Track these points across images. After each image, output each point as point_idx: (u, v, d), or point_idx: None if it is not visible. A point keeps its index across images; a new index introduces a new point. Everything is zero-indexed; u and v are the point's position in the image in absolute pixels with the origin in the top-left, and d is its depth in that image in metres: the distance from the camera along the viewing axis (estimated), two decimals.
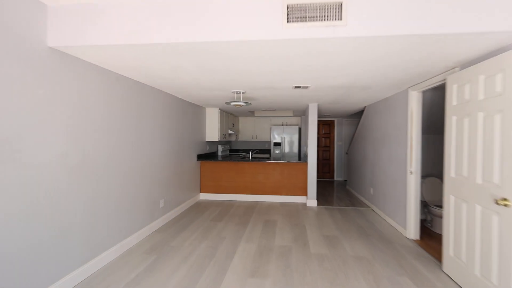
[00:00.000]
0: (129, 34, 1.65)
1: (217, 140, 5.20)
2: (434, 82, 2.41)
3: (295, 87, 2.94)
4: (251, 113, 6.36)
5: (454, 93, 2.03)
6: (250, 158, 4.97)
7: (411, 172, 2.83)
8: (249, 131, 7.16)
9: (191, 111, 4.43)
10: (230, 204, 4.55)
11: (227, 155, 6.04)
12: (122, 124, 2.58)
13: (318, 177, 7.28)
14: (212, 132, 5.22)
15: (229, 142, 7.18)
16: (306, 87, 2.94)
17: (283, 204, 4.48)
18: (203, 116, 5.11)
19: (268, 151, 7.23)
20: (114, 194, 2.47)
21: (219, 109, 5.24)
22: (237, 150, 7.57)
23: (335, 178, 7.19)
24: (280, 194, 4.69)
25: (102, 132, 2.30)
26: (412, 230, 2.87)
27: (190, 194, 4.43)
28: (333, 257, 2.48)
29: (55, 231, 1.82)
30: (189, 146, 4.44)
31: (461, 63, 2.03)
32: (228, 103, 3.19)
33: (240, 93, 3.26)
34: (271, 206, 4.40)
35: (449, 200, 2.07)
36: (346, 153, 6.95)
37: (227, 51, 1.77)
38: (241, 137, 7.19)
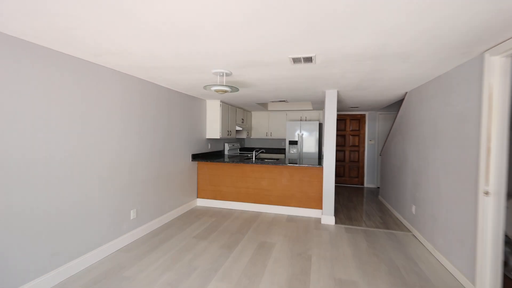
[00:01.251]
0: None
1: (218, 137, 4.47)
2: None
3: (294, 60, 2.01)
4: (263, 106, 5.50)
5: None
6: (253, 159, 4.13)
7: (486, 193, 1.70)
8: (263, 127, 6.30)
9: (185, 103, 3.77)
10: (229, 213, 3.79)
11: (236, 155, 5.29)
12: (73, 116, 1.98)
13: (344, 182, 6.12)
14: (213, 128, 4.50)
15: (240, 140, 6.43)
16: (309, 59, 1.99)
17: (290, 219, 3.56)
18: (202, 110, 4.43)
19: (283, 151, 6.30)
20: (56, 204, 1.87)
21: (221, 101, 4.49)
22: (249, 149, 6.78)
23: (365, 185, 5.95)
24: (289, 205, 3.77)
25: (40, 122, 1.71)
26: (487, 286, 1.74)
27: (183, 200, 3.78)
28: None
29: None
30: (182, 144, 3.78)
31: None
32: (207, 87, 2.39)
33: (223, 74, 2.44)
34: (275, 220, 3.52)
35: None
36: (380, 155, 5.68)
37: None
38: (254, 134, 6.38)
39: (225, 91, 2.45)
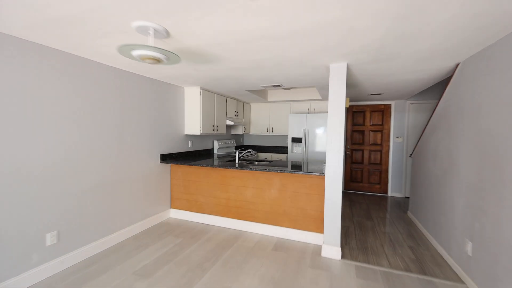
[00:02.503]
0: None
1: (198, 133, 3.60)
2: None
3: None
4: (261, 97, 4.53)
5: None
6: (236, 162, 3.19)
7: None
8: (263, 122, 5.33)
9: (155, 91, 2.94)
10: (204, 230, 2.92)
11: (228, 155, 4.41)
12: None
13: (361, 189, 4.96)
14: (192, 122, 3.64)
15: (236, 137, 5.52)
16: None
17: (280, 244, 2.59)
18: (179, 99, 3.58)
19: (285, 149, 5.28)
20: None
21: (201, 88, 3.60)
22: (248, 147, 5.85)
23: (389, 193, 4.74)
24: (279, 225, 2.80)
25: None
26: None
27: (149, 212, 2.98)
28: None
29: None
30: (148, 142, 2.97)
31: None
32: (124, 49, 1.50)
33: (152, 31, 1.53)
34: (259, 245, 2.57)
35: None
36: (411, 156, 4.46)
37: None
38: (254, 130, 5.43)
39: (156, 59, 1.54)
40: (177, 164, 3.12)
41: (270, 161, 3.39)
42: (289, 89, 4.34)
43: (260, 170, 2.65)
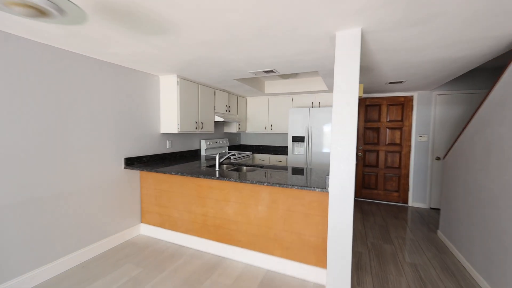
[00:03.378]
0: None
1: (176, 131, 2.98)
2: None
3: None
4: (258, 89, 3.85)
5: None
6: (216, 168, 2.52)
7: None
8: (261, 118, 4.65)
9: (113, 78, 2.31)
10: (172, 256, 2.30)
11: (214, 157, 3.81)
12: None
13: (376, 198, 4.20)
14: (169, 118, 3.01)
15: (231, 136, 4.87)
16: None
17: (268, 280, 1.92)
18: (154, 91, 2.96)
19: (286, 150, 4.58)
20: None
21: (179, 77, 2.96)
22: (244, 148, 5.19)
23: (410, 203, 3.97)
24: (268, 253, 2.13)
25: None
26: None
27: (108, 230, 2.38)
28: None
29: None
30: (105, 142, 2.37)
31: None
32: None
33: None
34: (241, 280, 1.92)
35: None
36: (438, 159, 3.68)
37: None
38: (250, 128, 4.76)
39: (30, 5, 0.89)
40: (147, 170, 2.50)
41: (261, 166, 2.71)
42: (287, 77, 3.63)
43: (242, 181, 1.98)
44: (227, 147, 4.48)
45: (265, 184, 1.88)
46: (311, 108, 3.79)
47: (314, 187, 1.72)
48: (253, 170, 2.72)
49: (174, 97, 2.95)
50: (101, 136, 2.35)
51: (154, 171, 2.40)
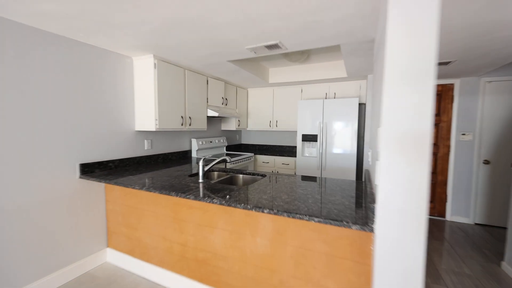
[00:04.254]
0: None
1: (153, 129, 2.32)
2: None
3: None
4: (259, 77, 3.16)
5: None
6: (200, 183, 1.83)
7: None
8: (265, 113, 3.96)
9: (64, 56, 1.65)
10: None
11: (209, 159, 3.17)
12: None
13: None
14: (144, 112, 2.35)
15: (229, 134, 4.19)
16: None
17: None
18: (126, 76, 2.31)
19: (295, 151, 3.87)
20: None
21: (156, 57, 2.29)
22: (246, 148, 4.51)
23: (448, 217, 3.21)
24: None
25: None
26: None
27: (54, 263, 1.73)
28: None
29: None
30: (49, 143, 1.73)
31: None
32: None
33: None
34: None
35: None
36: (487, 162, 2.93)
37: None
38: (252, 124, 4.08)
39: None
40: (104, 180, 1.85)
41: (263, 175, 2.02)
42: (296, 60, 2.91)
43: (221, 203, 1.31)
44: (224, 147, 3.81)
45: (265, 211, 1.19)
46: (325, 100, 3.07)
47: (347, 222, 1.02)
48: (253, 181, 2.03)
49: (151, 84, 2.28)
50: (43, 136, 1.70)
51: (113, 183, 1.74)
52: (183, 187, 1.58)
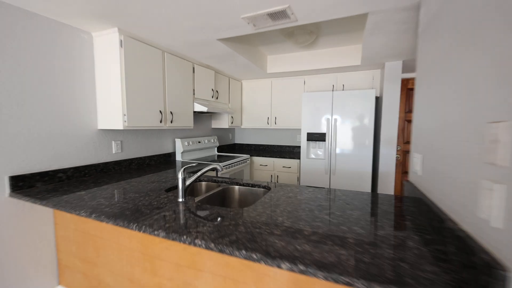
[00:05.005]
0: None
1: (121, 127, 1.77)
2: None
3: None
4: (256, 65, 2.64)
5: None
6: (180, 202, 1.32)
7: None
8: (262, 108, 3.45)
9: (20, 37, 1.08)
10: None
11: (197, 163, 2.66)
12: None
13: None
14: (109, 105, 1.80)
15: (221, 132, 3.66)
16: None
17: None
18: (85, 59, 1.75)
19: (296, 151, 3.39)
20: None
21: (121, 32, 1.74)
22: (240, 148, 4.00)
23: None
24: None
25: None
26: None
27: None
28: None
29: None
30: None
31: None
32: None
33: None
34: None
35: None
36: None
37: None
38: (247, 122, 3.57)
39: None
40: (41, 199, 1.31)
41: (266, 188, 1.52)
42: (305, 42, 2.39)
43: (205, 245, 0.80)
44: (215, 148, 3.29)
45: (283, 266, 0.69)
46: (335, 92, 2.60)
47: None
48: (253, 197, 1.54)
49: (116, 68, 1.73)
50: None
51: (50, 205, 1.20)
52: (153, 212, 1.05)
